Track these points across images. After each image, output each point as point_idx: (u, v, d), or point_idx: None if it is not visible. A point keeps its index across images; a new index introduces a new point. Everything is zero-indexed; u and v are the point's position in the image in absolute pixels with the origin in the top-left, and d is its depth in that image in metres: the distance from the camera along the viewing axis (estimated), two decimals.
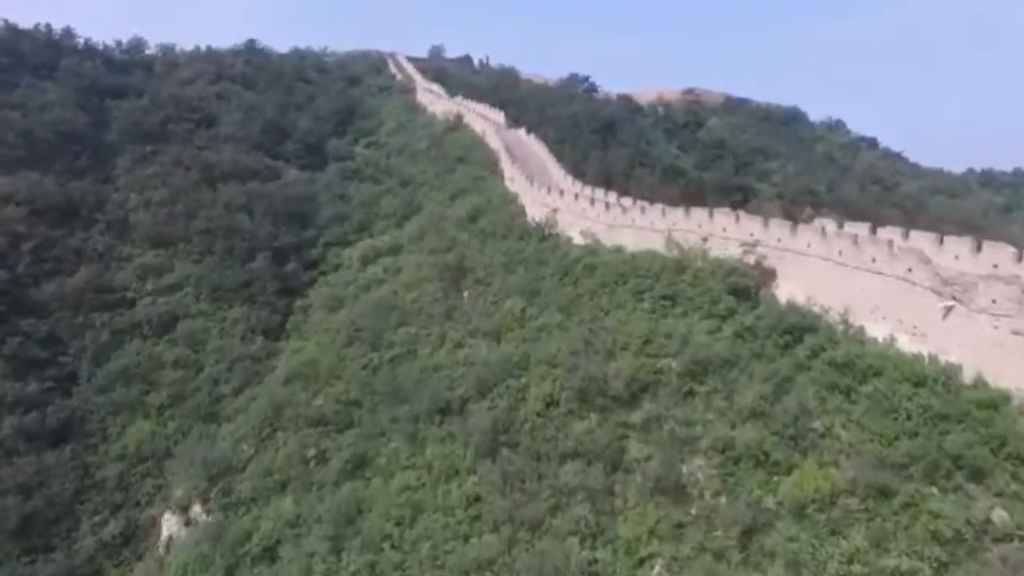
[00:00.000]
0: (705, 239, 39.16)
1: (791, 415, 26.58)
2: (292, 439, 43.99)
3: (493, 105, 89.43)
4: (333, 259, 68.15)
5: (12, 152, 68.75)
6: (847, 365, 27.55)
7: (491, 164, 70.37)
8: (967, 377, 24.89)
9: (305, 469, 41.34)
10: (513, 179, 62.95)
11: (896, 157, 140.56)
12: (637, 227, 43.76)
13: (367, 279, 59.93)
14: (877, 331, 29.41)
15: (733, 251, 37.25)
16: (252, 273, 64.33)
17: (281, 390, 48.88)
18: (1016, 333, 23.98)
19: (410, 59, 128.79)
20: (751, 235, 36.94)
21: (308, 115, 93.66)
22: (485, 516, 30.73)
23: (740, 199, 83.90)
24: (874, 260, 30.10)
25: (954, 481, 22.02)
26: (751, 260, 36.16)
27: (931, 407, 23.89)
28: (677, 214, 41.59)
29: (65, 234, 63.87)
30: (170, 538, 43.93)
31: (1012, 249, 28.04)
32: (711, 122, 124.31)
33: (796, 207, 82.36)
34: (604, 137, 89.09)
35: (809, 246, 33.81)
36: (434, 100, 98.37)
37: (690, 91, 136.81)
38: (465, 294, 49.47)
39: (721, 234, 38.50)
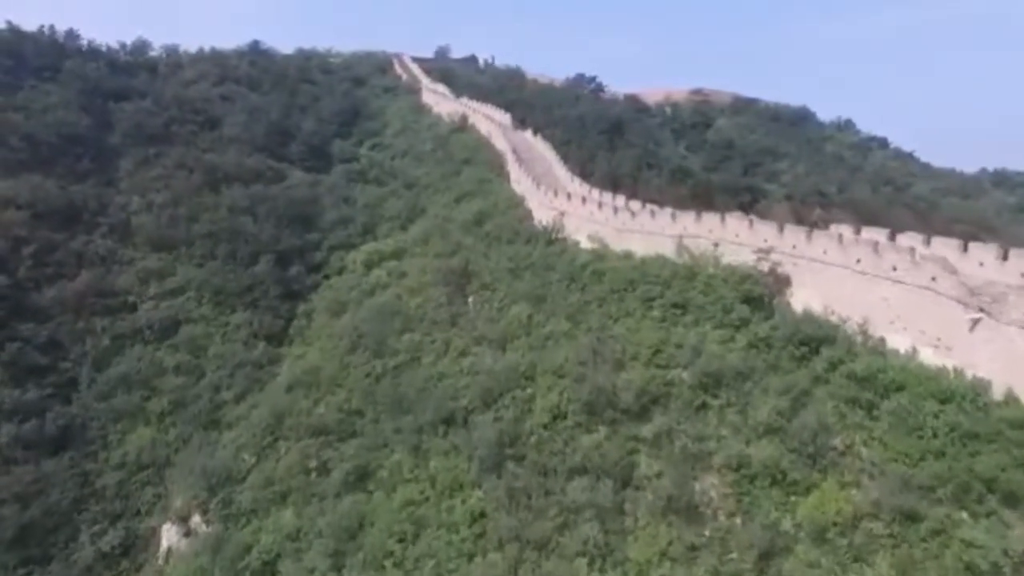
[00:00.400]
0: (717, 245, 38.03)
1: (809, 431, 25.43)
2: (293, 448, 43.06)
3: (499, 106, 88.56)
4: (337, 263, 67.30)
5: (14, 155, 68.09)
6: (868, 379, 26.38)
7: (497, 166, 69.40)
8: (997, 393, 23.68)
9: (306, 480, 40.41)
10: (519, 181, 61.94)
11: (907, 157, 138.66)
12: (646, 232, 42.65)
13: (371, 283, 58.94)
14: (898, 343, 28.23)
15: (746, 257, 36.10)
16: (255, 277, 63.54)
17: (283, 398, 47.96)
18: None
19: (415, 59, 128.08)
20: (765, 241, 35.78)
21: (312, 116, 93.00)
22: (490, 534, 29.63)
23: (749, 200, 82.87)
24: (895, 268, 28.91)
25: (987, 506, 20.81)
26: (765, 267, 35.01)
27: (959, 425, 22.68)
28: (688, 219, 40.48)
29: (67, 238, 63.06)
30: (169, 549, 43.09)
31: None
32: (719, 122, 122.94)
33: (806, 208, 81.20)
34: (611, 138, 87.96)
35: (825, 253, 32.62)
36: (440, 101, 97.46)
37: (698, 91, 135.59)
38: (470, 300, 48.46)
39: (734, 240, 37.35)
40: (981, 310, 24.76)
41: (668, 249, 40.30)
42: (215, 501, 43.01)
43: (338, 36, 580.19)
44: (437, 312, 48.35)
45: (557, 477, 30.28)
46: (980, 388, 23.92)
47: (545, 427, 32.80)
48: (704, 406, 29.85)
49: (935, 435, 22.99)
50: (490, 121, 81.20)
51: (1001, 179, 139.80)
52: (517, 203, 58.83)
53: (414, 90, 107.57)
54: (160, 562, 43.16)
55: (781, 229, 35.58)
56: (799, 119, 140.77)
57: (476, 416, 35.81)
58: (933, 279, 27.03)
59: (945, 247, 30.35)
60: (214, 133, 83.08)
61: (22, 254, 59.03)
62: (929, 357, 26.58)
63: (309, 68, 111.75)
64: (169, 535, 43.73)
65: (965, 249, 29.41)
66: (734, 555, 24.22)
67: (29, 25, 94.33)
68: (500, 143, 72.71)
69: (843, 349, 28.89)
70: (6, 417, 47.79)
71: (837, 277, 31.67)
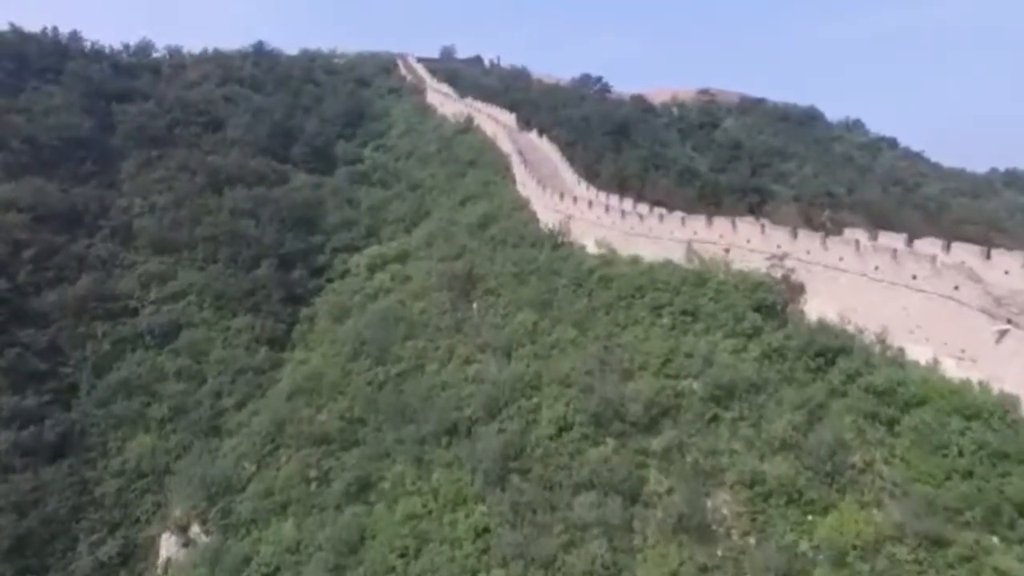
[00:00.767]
0: (727, 250, 37.02)
1: (826, 448, 24.40)
2: (294, 457, 42.32)
3: (504, 106, 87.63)
4: (340, 266, 66.40)
5: (16, 158, 67.45)
6: (887, 392, 25.32)
7: (502, 168, 68.40)
8: None
9: (307, 490, 39.62)
10: (525, 184, 60.97)
11: (917, 157, 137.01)
12: (655, 236, 41.64)
13: (374, 287, 58.07)
14: (918, 354, 27.13)
15: (758, 264, 35.07)
16: (257, 281, 62.72)
17: (284, 405, 47.16)
18: None
19: (420, 60, 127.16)
20: (778, 247, 34.72)
21: (316, 118, 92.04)
22: (494, 550, 28.73)
23: (757, 201, 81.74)
24: (915, 277, 27.84)
25: (1019, 532, 19.74)
26: (778, 274, 33.94)
27: (987, 444, 21.59)
28: (698, 223, 39.45)
29: (68, 241, 62.41)
30: (168, 560, 42.32)
31: None
32: (727, 123, 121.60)
33: (815, 209, 79.96)
34: (617, 139, 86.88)
35: (841, 260, 31.55)
36: (444, 102, 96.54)
37: (705, 91, 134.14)
38: (474, 305, 47.52)
39: (745, 245, 36.31)
40: (1009, 321, 23.65)
41: (677, 254, 39.30)
42: (215, 510, 42.30)
43: (343, 37, 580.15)
44: (441, 318, 47.47)
45: (563, 492, 29.38)
46: (1008, 404, 22.83)
47: (551, 439, 31.91)
48: (716, 419, 28.85)
49: (961, 454, 21.90)
50: (495, 122, 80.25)
51: (1012, 179, 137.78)
52: (522, 206, 57.87)
53: (419, 91, 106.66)
54: (159, 572, 42.47)
55: (795, 234, 34.51)
56: (807, 119, 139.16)
57: (480, 427, 34.90)
58: (956, 288, 25.96)
59: (966, 253, 29.31)
60: (217, 135, 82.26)
61: (22, 258, 58.35)
62: (952, 369, 25.48)
63: (313, 69, 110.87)
64: (168, 545, 42.98)
65: (988, 256, 28.33)
66: None
67: (32, 26, 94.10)
68: (505, 144, 71.74)
69: (860, 360, 27.82)
70: (4, 424, 47.06)
71: (854, 285, 30.60)
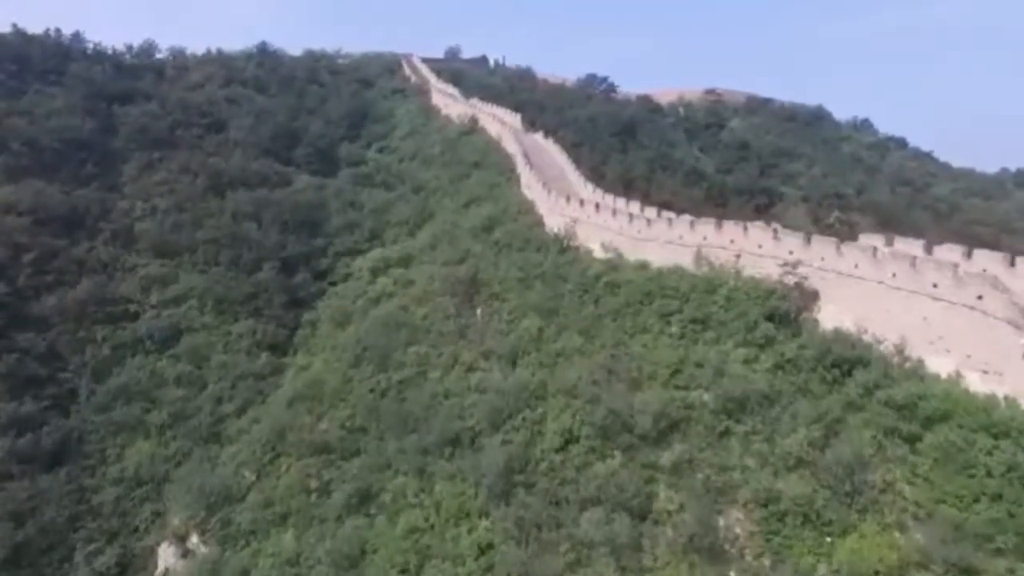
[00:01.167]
0: (738, 256, 35.93)
1: (844, 466, 23.32)
2: (294, 467, 41.55)
3: (510, 107, 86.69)
4: (343, 269, 65.72)
5: (17, 160, 67.06)
6: (908, 407, 24.20)
7: (507, 170, 67.39)
8: None
9: (307, 501, 38.80)
10: (530, 186, 59.98)
11: (926, 157, 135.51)
12: (663, 241, 40.53)
13: (377, 292, 57.24)
14: (939, 366, 26.01)
15: (770, 270, 33.97)
16: (259, 285, 62.13)
17: (285, 412, 46.38)
18: None
19: (425, 60, 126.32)
20: (790, 253, 33.61)
21: (320, 119, 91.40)
22: (498, 568, 27.78)
23: (765, 202, 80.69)
24: (935, 285, 26.70)
25: None
26: (790, 281, 32.85)
27: (1018, 465, 20.45)
28: (707, 227, 38.36)
29: (69, 244, 61.92)
30: (166, 571, 41.63)
31: None
32: (733, 123, 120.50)
33: (823, 210, 78.74)
34: (624, 139, 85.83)
35: (857, 267, 30.42)
36: (449, 102, 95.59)
37: (711, 91, 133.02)
38: (478, 311, 46.58)
39: (756, 251, 35.22)
40: None
41: (686, 260, 38.24)
42: (214, 520, 41.63)
43: (348, 37, 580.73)
44: (444, 324, 46.58)
45: (569, 507, 28.42)
46: None
47: (557, 452, 30.96)
48: (727, 433, 27.82)
49: (990, 475, 20.78)
50: (500, 123, 79.26)
51: (1023, 180, 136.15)
52: (528, 209, 56.87)
53: (423, 91, 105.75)
54: None
55: (808, 240, 33.39)
56: (815, 119, 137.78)
57: (484, 438, 34.01)
58: (980, 298, 24.83)
59: (989, 261, 28.26)
60: (219, 136, 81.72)
61: (22, 261, 57.88)
62: (976, 383, 24.36)
63: (317, 70, 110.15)
64: (166, 556, 42.27)
65: (1012, 263, 27.28)
66: None
67: (35, 28, 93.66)
68: (510, 146, 70.74)
69: (879, 372, 26.68)
70: (2, 431, 46.61)
71: (870, 293, 29.48)
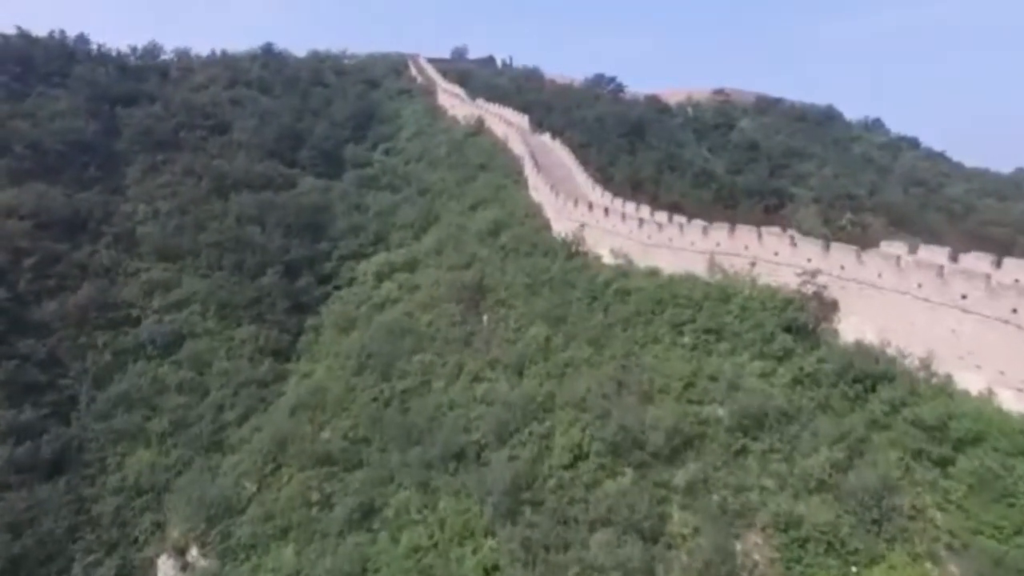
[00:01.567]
0: (753, 263, 34.65)
1: (871, 490, 22.04)
2: (296, 478, 40.55)
3: (517, 107, 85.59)
4: (347, 273, 64.71)
5: (19, 163, 66.40)
6: (937, 427, 22.86)
7: (514, 171, 66.29)
8: None
9: (308, 514, 37.78)
10: (537, 189, 58.86)
11: (939, 157, 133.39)
12: (675, 247, 39.31)
13: (381, 297, 56.27)
14: (969, 383, 24.68)
15: (787, 278, 32.67)
16: (262, 289, 61.20)
17: (287, 421, 45.39)
18: None
19: (432, 61, 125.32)
20: (808, 260, 32.29)
21: (325, 120, 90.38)
22: None
23: (775, 204, 79.23)
24: (964, 296, 25.38)
25: None
26: (808, 290, 31.52)
27: None
28: (720, 233, 37.06)
29: (70, 248, 61.13)
30: None
31: None
32: (743, 123, 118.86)
33: (835, 211, 77.21)
34: (632, 140, 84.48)
35: (880, 276, 29.09)
36: (455, 103, 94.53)
37: (720, 91, 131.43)
38: (484, 318, 45.48)
39: (772, 258, 33.93)
40: None
41: (699, 267, 37.01)
42: (214, 533, 40.66)
43: (353, 37, 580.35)
44: (450, 331, 45.50)
45: (578, 528, 27.25)
46: None
47: (565, 469, 29.82)
48: (744, 451, 26.60)
49: None
50: (507, 124, 78.15)
51: None
52: (535, 212, 55.74)
53: (429, 92, 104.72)
54: None
55: (827, 247, 32.03)
56: (825, 119, 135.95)
57: (490, 452, 32.91)
58: (1014, 311, 23.50)
59: (1020, 270, 26.87)
60: (224, 138, 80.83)
61: (23, 266, 57.12)
62: (1010, 402, 23.04)
63: (322, 70, 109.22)
64: (165, 568, 41.38)
65: None
66: None
67: (39, 30, 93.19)
68: (517, 147, 69.62)
69: (904, 388, 25.38)
70: (0, 439, 45.72)
71: (894, 304, 28.16)
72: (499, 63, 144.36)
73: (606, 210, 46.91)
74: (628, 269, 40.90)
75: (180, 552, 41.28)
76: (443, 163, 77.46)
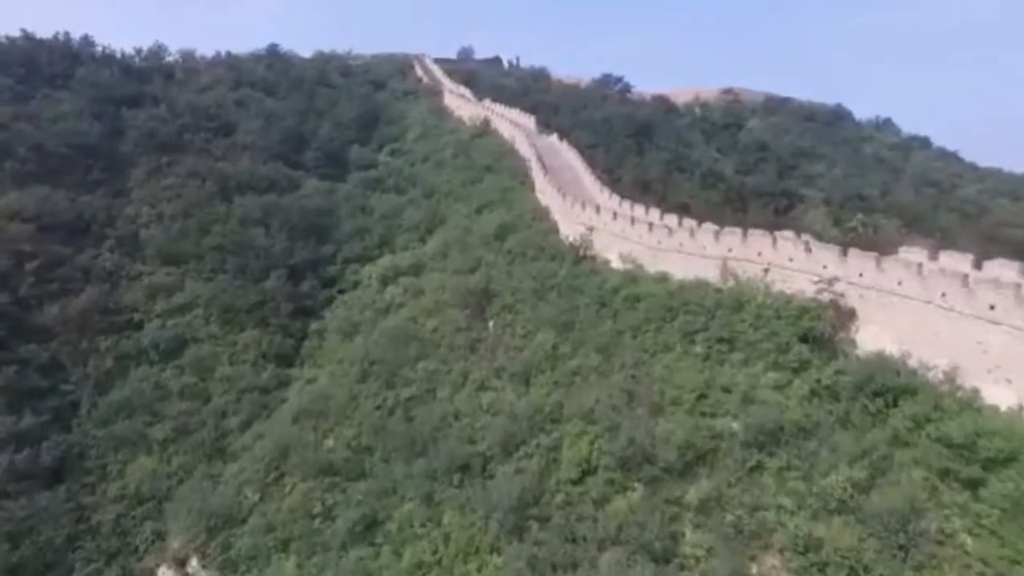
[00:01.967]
0: (767, 269, 33.56)
1: (896, 512, 20.90)
2: (298, 488, 39.79)
3: (524, 108, 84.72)
4: (352, 277, 63.93)
5: (23, 166, 65.94)
6: (966, 446, 21.73)
7: (521, 173, 65.37)
8: None
9: (310, 526, 36.98)
10: (544, 191, 57.93)
11: (951, 157, 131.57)
12: (686, 252, 38.27)
13: (386, 301, 55.41)
14: (998, 397, 23.54)
15: (802, 285, 31.57)
16: (266, 293, 60.43)
17: (289, 429, 44.63)
18: None
19: (437, 61, 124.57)
20: (825, 267, 31.20)
21: (330, 121, 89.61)
22: None
23: (785, 205, 78.11)
24: (993, 307, 24.24)
25: None
26: (825, 298, 30.44)
27: None
28: (733, 238, 35.96)
29: (73, 252, 60.57)
30: None
31: None
32: (751, 123, 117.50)
33: (846, 212, 75.93)
34: (639, 140, 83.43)
35: (900, 284, 27.96)
36: (462, 104, 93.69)
37: (728, 90, 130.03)
38: (490, 324, 44.56)
39: (787, 265, 32.82)
40: None
41: (711, 272, 35.93)
42: (214, 544, 39.91)
43: (359, 38, 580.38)
44: (455, 337, 44.63)
45: (586, 546, 26.26)
46: None
47: (573, 483, 28.81)
48: (759, 467, 25.52)
49: None
50: (514, 125, 77.24)
51: None
52: (542, 215, 54.80)
53: (435, 93, 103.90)
54: None
55: (844, 253, 30.91)
56: (835, 119, 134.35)
57: (495, 465, 32.02)
58: None
59: None
60: (228, 140, 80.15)
61: (25, 270, 56.59)
62: None
63: (327, 71, 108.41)
64: None
65: None
66: None
67: (44, 32, 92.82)
68: (524, 149, 68.69)
69: (928, 403, 24.20)
70: (0, 446, 45.15)
71: (916, 313, 27.02)
72: (505, 63, 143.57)
73: (615, 214, 45.93)
74: (637, 274, 39.89)
75: (180, 563, 40.59)
76: (449, 164, 76.61)
